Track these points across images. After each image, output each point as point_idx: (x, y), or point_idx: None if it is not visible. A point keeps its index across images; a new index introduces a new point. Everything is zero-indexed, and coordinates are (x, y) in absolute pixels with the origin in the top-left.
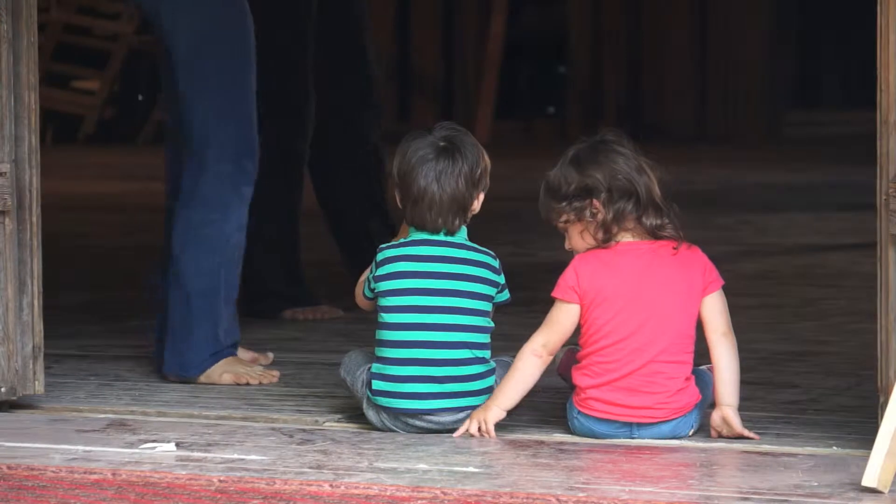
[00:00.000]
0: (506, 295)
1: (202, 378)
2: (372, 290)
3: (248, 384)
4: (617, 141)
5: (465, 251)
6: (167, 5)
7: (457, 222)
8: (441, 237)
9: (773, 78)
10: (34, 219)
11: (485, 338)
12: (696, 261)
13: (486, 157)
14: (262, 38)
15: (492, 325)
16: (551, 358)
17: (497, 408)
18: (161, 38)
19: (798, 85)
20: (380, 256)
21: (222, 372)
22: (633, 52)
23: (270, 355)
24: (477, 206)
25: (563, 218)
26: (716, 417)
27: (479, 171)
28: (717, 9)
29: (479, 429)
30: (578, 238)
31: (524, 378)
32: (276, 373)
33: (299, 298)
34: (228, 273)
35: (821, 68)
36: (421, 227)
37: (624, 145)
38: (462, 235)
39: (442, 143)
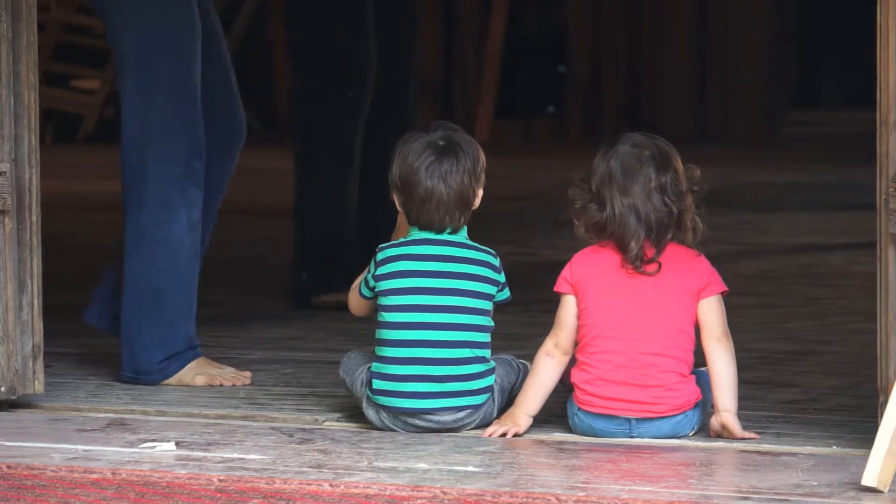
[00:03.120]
0: (506, 293)
1: (173, 381)
2: (371, 290)
3: (221, 386)
4: (659, 164)
5: (465, 250)
6: (115, 5)
7: (462, 220)
8: (442, 236)
9: (773, 78)
10: (34, 218)
11: (485, 337)
12: (696, 264)
13: (482, 153)
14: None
15: (492, 324)
16: (567, 357)
17: (524, 415)
18: (108, 38)
19: (798, 85)
20: (379, 256)
21: (195, 374)
22: (633, 52)
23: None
24: (477, 202)
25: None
26: (714, 424)
27: (479, 168)
28: (717, 9)
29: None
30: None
31: (542, 381)
32: (247, 373)
33: (330, 283)
34: (181, 274)
35: (821, 68)
36: (427, 227)
37: (668, 168)
38: (463, 234)
39: (442, 143)
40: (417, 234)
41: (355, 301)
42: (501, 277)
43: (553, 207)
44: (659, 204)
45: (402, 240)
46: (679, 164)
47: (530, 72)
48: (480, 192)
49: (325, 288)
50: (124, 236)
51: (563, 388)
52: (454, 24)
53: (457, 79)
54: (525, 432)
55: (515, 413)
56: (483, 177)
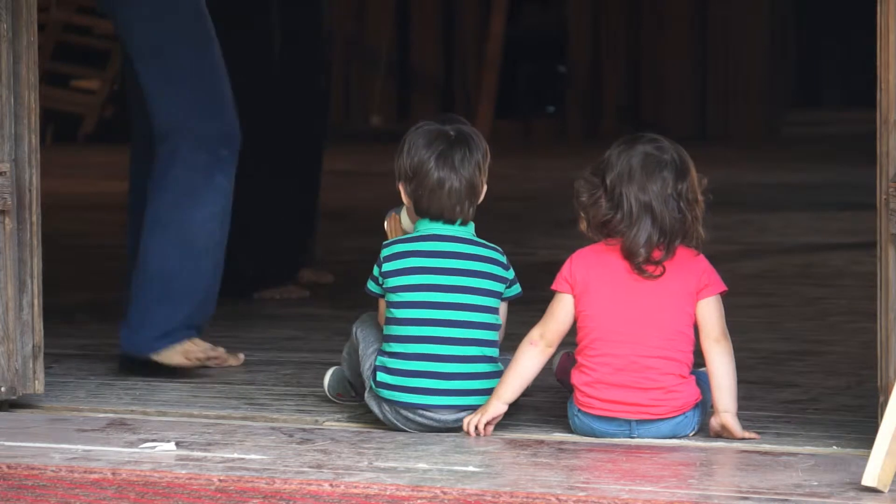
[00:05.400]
0: (517, 289)
1: (158, 358)
2: (380, 286)
3: (197, 360)
4: (679, 171)
5: (473, 247)
6: (122, 2)
7: (471, 211)
8: (450, 232)
9: (773, 78)
10: (34, 218)
11: (493, 335)
12: (695, 264)
13: (487, 146)
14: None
15: (500, 322)
16: (551, 350)
17: (497, 401)
18: (119, 34)
19: (798, 85)
20: (386, 252)
21: (174, 354)
22: (633, 52)
23: (241, 356)
24: (483, 195)
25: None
26: (714, 424)
27: (487, 160)
28: (717, 9)
29: (477, 427)
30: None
31: (521, 369)
32: (241, 355)
33: (267, 279)
34: (195, 260)
35: (821, 68)
36: (438, 217)
37: (685, 176)
38: (471, 230)
39: (452, 133)
40: (426, 229)
41: (379, 308)
42: (510, 274)
43: (553, 207)
44: (674, 210)
45: (409, 235)
46: (694, 173)
47: (530, 72)
48: (485, 186)
49: (264, 282)
50: (143, 221)
51: (564, 389)
52: (454, 23)
53: (457, 79)
54: (505, 418)
55: (489, 402)
56: (487, 170)
